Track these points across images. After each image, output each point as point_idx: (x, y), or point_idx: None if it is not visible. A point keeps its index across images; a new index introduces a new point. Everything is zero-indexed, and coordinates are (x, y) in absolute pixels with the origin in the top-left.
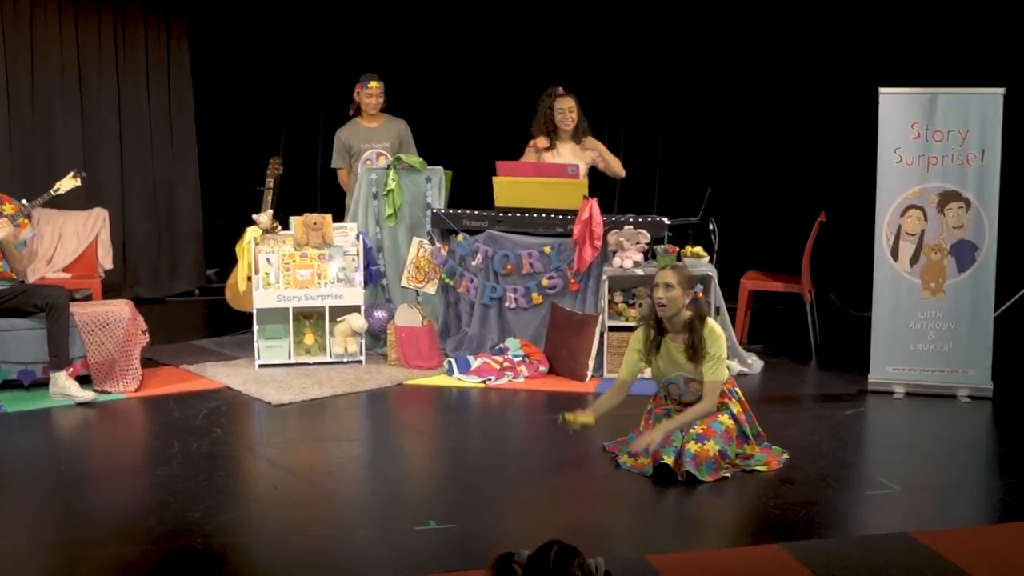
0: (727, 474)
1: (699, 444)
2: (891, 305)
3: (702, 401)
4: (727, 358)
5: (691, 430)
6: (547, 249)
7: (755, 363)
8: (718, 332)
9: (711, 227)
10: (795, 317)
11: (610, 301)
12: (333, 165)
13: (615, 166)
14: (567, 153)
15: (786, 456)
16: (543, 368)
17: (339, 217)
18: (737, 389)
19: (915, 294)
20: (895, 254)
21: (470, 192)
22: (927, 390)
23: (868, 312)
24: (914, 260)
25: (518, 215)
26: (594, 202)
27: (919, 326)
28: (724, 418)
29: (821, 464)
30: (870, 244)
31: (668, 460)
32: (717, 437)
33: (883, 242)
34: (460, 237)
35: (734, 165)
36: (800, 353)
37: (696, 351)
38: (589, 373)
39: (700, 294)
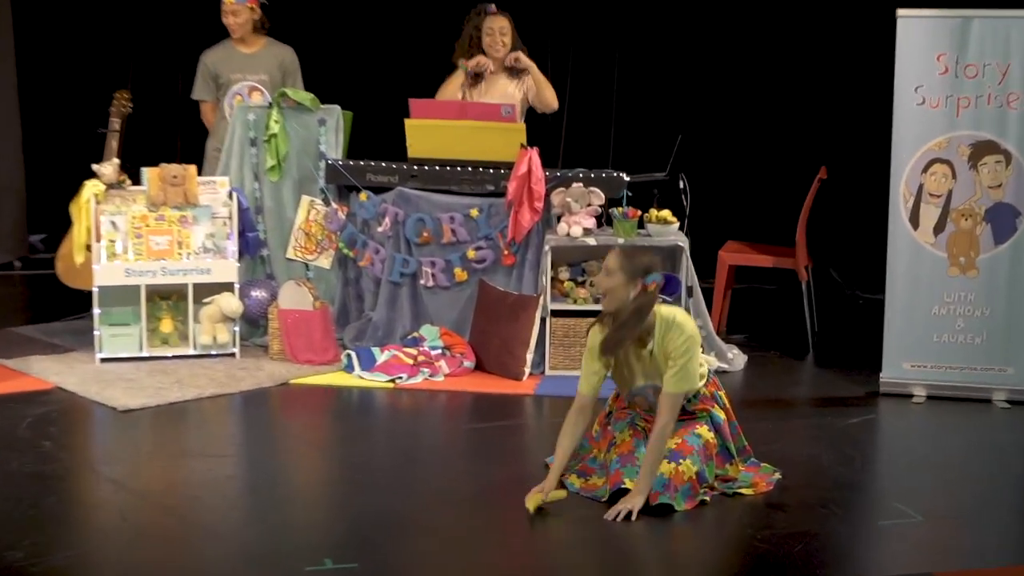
0: (705, 498)
1: (673, 464)
2: (909, 285)
3: (657, 419)
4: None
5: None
6: (474, 212)
7: (736, 358)
8: (682, 325)
9: (682, 185)
10: (788, 300)
11: (554, 279)
12: (195, 96)
13: (546, 92)
14: (499, 88)
15: (777, 476)
16: (468, 363)
17: (203, 168)
18: (722, 393)
19: (940, 271)
20: (915, 221)
21: (375, 138)
22: (954, 393)
23: (880, 294)
24: (939, 228)
25: (437, 169)
26: (534, 153)
27: (945, 312)
28: (703, 429)
29: (821, 486)
30: (883, 208)
31: (630, 484)
32: (694, 455)
33: (900, 206)
34: (363, 196)
35: (712, 106)
36: (794, 345)
37: (654, 356)
38: (527, 370)
39: (652, 286)
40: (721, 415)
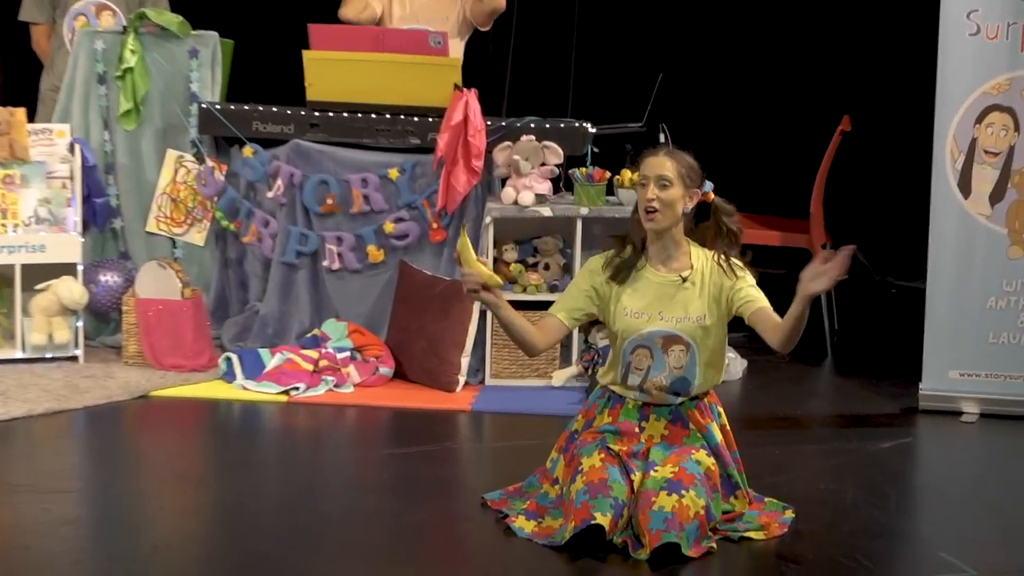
0: (712, 545)
1: (675, 497)
2: (958, 270)
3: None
4: None
5: (654, 473)
6: (393, 173)
7: (735, 363)
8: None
9: (663, 139)
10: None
11: (497, 260)
12: (23, 16)
13: None
14: (426, 6)
15: (790, 514)
16: (385, 370)
17: (36, 112)
18: (721, 409)
19: (998, 251)
20: (965, 186)
21: (264, 76)
22: (1016, 410)
23: (919, 282)
24: (996, 197)
25: (345, 116)
26: (472, 96)
27: (1004, 305)
28: (701, 454)
29: (845, 531)
30: (924, 171)
31: (603, 520)
32: (698, 484)
33: (946, 166)
34: (247, 151)
35: (702, 37)
36: (809, 347)
37: (692, 287)
38: (462, 379)
39: (711, 195)
40: (718, 435)
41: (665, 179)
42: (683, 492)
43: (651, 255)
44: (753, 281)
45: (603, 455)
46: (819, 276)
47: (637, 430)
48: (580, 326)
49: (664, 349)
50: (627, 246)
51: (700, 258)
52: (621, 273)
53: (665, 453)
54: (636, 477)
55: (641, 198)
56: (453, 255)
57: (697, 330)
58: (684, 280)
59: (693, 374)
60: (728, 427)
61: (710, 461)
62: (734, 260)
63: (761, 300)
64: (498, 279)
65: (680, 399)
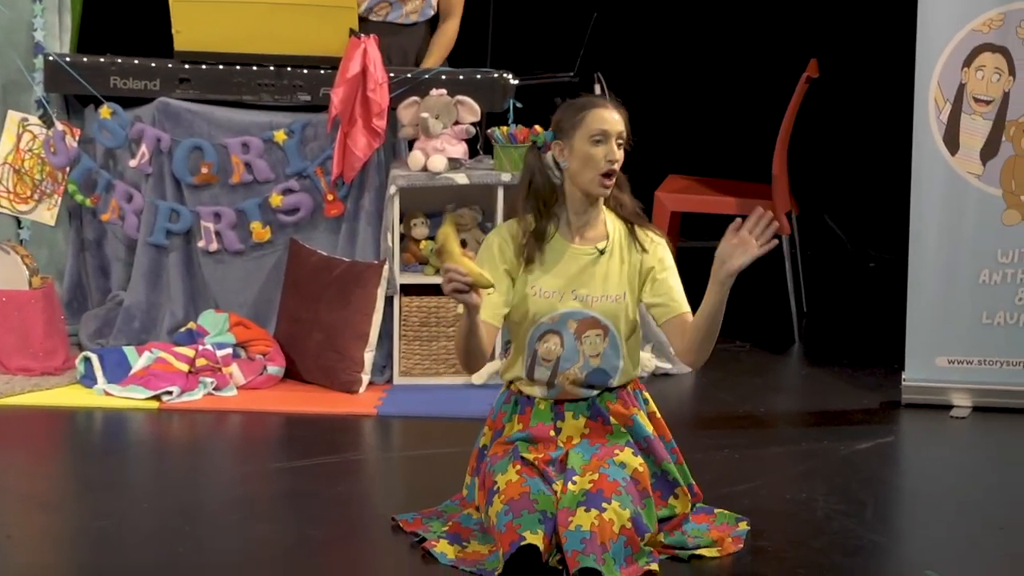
0: (653, 567)
1: (593, 512)
2: (945, 239)
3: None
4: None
5: (572, 486)
6: (279, 136)
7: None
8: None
9: (598, 91)
10: (762, 264)
11: (405, 237)
12: None
13: None
14: None
15: (745, 527)
16: (274, 369)
17: None
18: (647, 394)
19: (992, 216)
20: (952, 141)
21: (123, 22)
22: (1013, 402)
23: (900, 253)
24: (989, 152)
25: (220, 68)
26: (371, 43)
27: (999, 279)
28: (626, 454)
29: (815, 547)
30: (903, 122)
31: (534, 538)
32: (622, 492)
33: (929, 118)
34: (105, 112)
35: None
36: (773, 332)
37: (612, 260)
38: (365, 377)
39: None
40: (648, 426)
41: (623, 137)
42: (604, 505)
43: (565, 223)
44: (673, 264)
45: (518, 467)
46: (736, 248)
47: (552, 433)
48: None
49: (577, 335)
50: (528, 215)
51: (615, 226)
52: (530, 246)
53: (585, 458)
54: (557, 487)
55: (598, 156)
56: (432, 248)
57: (617, 311)
58: (601, 252)
59: (613, 365)
60: (658, 414)
61: (637, 462)
62: (647, 228)
63: (682, 304)
64: (489, 279)
65: (596, 392)
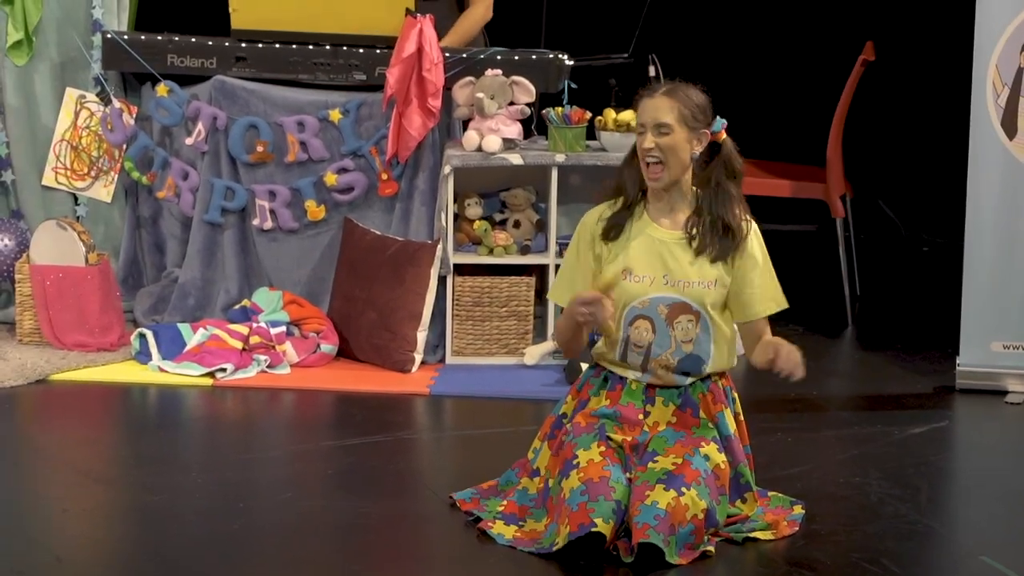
0: (709, 549)
1: (672, 493)
2: (1002, 224)
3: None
4: None
5: (653, 464)
6: (335, 115)
7: (738, 336)
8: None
9: (653, 72)
10: (815, 247)
11: (459, 217)
12: None
13: None
14: None
15: (800, 511)
16: (328, 347)
17: None
18: (736, 394)
19: None
20: (1010, 125)
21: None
22: None
23: (956, 238)
24: None
25: (277, 47)
26: (427, 23)
27: None
28: (711, 448)
29: (868, 531)
30: (960, 107)
31: (604, 528)
32: (702, 483)
33: (987, 102)
34: (162, 90)
35: None
36: (826, 316)
37: (724, 239)
38: (418, 357)
39: (723, 135)
40: (731, 425)
41: (663, 125)
42: (683, 489)
43: (651, 207)
44: (759, 256)
45: (603, 448)
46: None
47: (640, 416)
48: None
49: (669, 320)
50: (620, 196)
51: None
52: (615, 228)
53: (669, 442)
54: (631, 473)
55: (639, 148)
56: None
57: (709, 296)
58: (692, 238)
59: (706, 351)
60: (742, 416)
61: (720, 458)
62: (735, 219)
63: (758, 307)
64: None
65: (690, 380)
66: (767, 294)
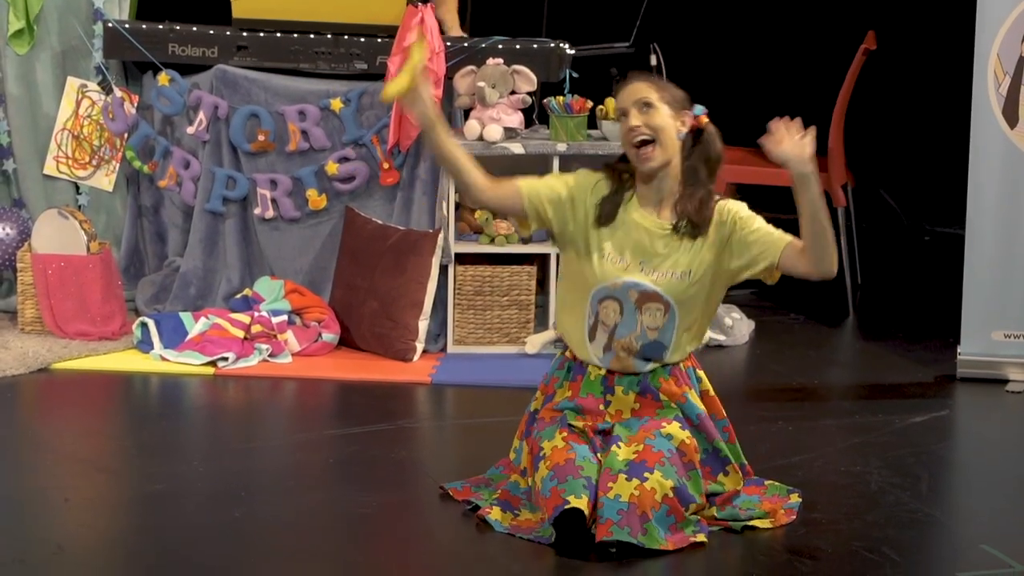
0: (700, 537)
1: (635, 482)
2: (1002, 213)
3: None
4: None
5: (616, 448)
6: (336, 104)
7: (738, 325)
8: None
9: (654, 62)
10: None
11: (460, 206)
12: None
13: None
14: None
15: (796, 499)
16: (329, 336)
17: None
18: (701, 373)
19: None
20: (1011, 114)
21: None
22: None
23: (957, 227)
24: None
25: (279, 36)
26: (428, 12)
27: None
28: (673, 427)
29: (869, 520)
30: (961, 96)
31: (578, 503)
32: (665, 463)
33: (988, 91)
34: (163, 79)
35: None
36: (827, 305)
37: (700, 219)
38: (419, 345)
39: (704, 119)
40: (699, 404)
41: (646, 103)
42: (646, 475)
43: (640, 195)
44: (750, 214)
45: (565, 434)
46: (786, 145)
47: (601, 407)
48: None
49: (638, 305)
50: (614, 177)
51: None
52: (607, 216)
53: (632, 429)
54: (602, 456)
55: (623, 131)
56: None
57: (682, 289)
58: (676, 229)
59: (668, 339)
60: (711, 391)
61: (684, 435)
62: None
63: (781, 236)
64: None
65: (650, 366)
66: (774, 230)
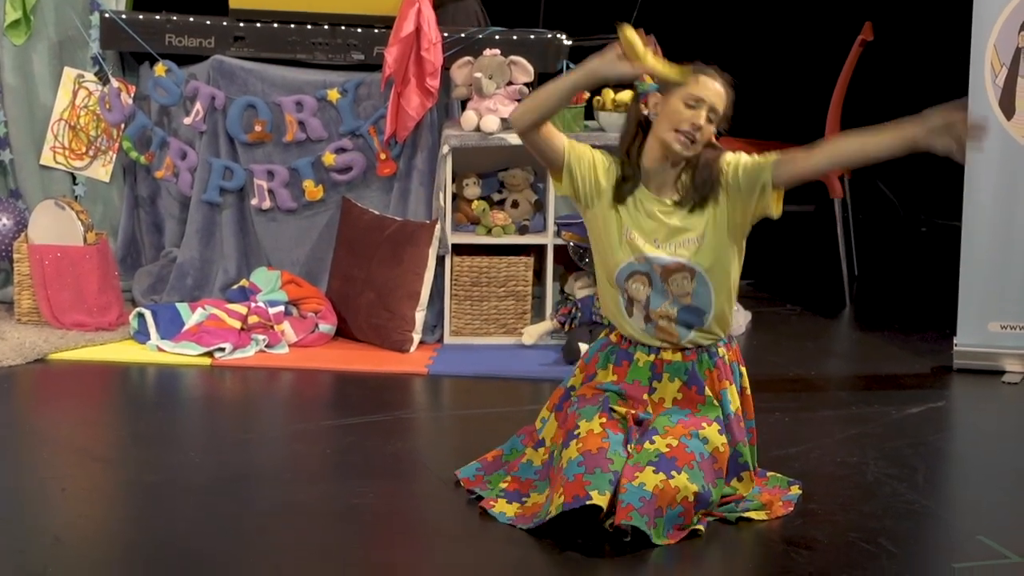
0: (698, 527)
1: (660, 476)
2: (1000, 205)
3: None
4: None
5: (648, 444)
6: (333, 95)
7: (736, 316)
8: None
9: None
10: (814, 227)
11: (457, 197)
12: None
13: None
14: None
15: (797, 492)
16: (326, 327)
17: None
18: (743, 369)
19: None
20: (1008, 105)
21: None
22: None
23: (954, 219)
24: None
25: (275, 27)
26: (425, 3)
27: None
28: (711, 430)
29: (866, 511)
30: (958, 87)
31: (600, 500)
32: (695, 468)
33: (985, 82)
34: (160, 69)
35: None
36: (824, 296)
37: (706, 187)
38: (416, 336)
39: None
40: (734, 403)
41: (716, 113)
42: (673, 473)
43: (648, 178)
44: (738, 153)
45: (604, 419)
46: (945, 132)
47: (646, 396)
48: (557, 274)
49: (663, 277)
50: (625, 160)
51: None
52: (623, 188)
53: (672, 421)
54: (632, 448)
55: (683, 117)
56: (618, 53)
57: (703, 253)
58: (679, 203)
59: (705, 302)
60: (748, 391)
61: (720, 440)
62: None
63: (768, 156)
64: (680, 76)
65: (692, 333)
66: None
